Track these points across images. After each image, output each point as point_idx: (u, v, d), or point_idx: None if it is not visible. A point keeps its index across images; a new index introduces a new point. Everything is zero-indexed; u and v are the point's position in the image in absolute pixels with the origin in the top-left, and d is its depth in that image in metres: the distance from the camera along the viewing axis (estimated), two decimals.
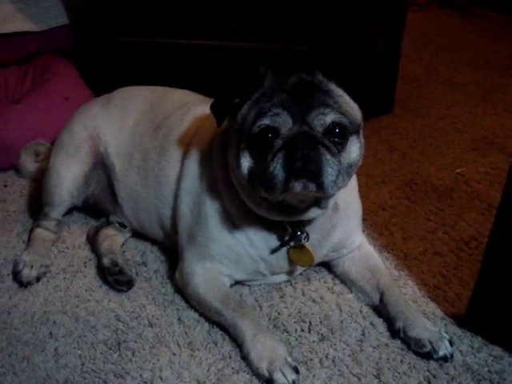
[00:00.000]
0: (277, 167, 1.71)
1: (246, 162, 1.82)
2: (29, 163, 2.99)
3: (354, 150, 1.81)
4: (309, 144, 1.71)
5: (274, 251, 2.05)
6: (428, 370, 1.89)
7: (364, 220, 2.37)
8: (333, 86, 1.84)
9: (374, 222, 2.61)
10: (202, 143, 2.16)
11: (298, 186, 1.71)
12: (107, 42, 3.31)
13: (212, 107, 1.92)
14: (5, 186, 2.96)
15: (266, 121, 1.77)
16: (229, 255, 2.08)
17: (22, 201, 2.85)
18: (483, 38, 5.17)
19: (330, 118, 1.76)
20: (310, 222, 2.01)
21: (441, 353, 1.90)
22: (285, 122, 1.76)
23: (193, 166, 2.15)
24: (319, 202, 1.88)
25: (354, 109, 1.84)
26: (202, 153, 2.15)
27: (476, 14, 5.71)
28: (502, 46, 4.98)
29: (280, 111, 1.76)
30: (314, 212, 1.93)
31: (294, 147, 1.71)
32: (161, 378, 1.87)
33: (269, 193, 1.76)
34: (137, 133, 2.39)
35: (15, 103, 3.30)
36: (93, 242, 2.48)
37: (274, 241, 2.04)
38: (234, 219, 2.03)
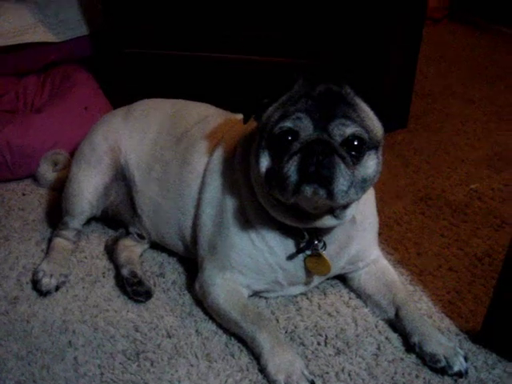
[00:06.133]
0: (291, 169, 1.76)
1: (264, 161, 1.87)
2: (47, 172, 3.02)
3: (370, 165, 1.84)
4: (325, 151, 1.74)
5: (290, 257, 2.08)
6: None
7: (379, 235, 2.38)
8: (359, 101, 1.87)
9: (389, 237, 2.63)
10: (225, 153, 2.20)
11: (308, 191, 1.74)
12: (127, 54, 3.32)
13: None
14: (23, 195, 2.99)
15: (288, 123, 1.81)
16: (248, 264, 2.11)
17: (41, 210, 2.86)
18: (497, 53, 5.15)
19: (350, 130, 1.79)
20: (327, 231, 2.04)
21: (456, 368, 1.91)
22: (305, 127, 1.80)
23: (215, 176, 2.19)
24: (333, 211, 1.91)
25: (375, 126, 1.87)
26: (225, 161, 2.19)
27: (490, 28, 5.68)
28: None
29: (303, 116, 1.80)
30: (328, 221, 1.95)
31: (310, 152, 1.74)
32: None
33: (281, 194, 1.80)
34: (157, 145, 2.42)
35: (35, 112, 3.34)
36: (111, 252, 2.50)
37: (291, 248, 2.07)
38: (254, 225, 2.07)
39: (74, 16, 3.64)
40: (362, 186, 1.83)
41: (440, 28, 5.73)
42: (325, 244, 2.05)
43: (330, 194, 1.74)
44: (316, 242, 2.03)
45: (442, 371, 1.93)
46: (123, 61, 3.34)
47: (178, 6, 3.20)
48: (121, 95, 3.29)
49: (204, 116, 2.43)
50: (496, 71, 4.73)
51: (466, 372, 1.93)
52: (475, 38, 5.55)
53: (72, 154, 2.84)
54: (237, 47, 3.25)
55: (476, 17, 5.84)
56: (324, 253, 2.05)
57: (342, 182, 1.74)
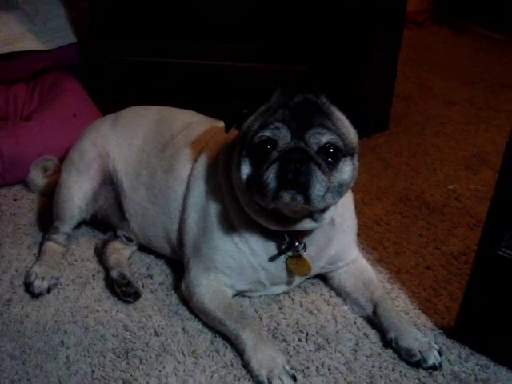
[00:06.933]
0: (270, 176, 1.83)
1: (245, 169, 1.94)
2: (38, 178, 3.06)
3: (345, 170, 1.91)
4: (302, 159, 1.82)
5: (272, 259, 2.15)
6: (418, 378, 1.98)
7: (359, 235, 2.47)
8: (334, 110, 1.95)
9: (369, 237, 2.71)
10: (208, 160, 2.27)
11: (286, 196, 1.82)
12: (113, 61, 3.37)
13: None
14: (14, 200, 3.03)
15: (267, 133, 1.89)
16: (232, 265, 2.18)
17: (32, 214, 2.91)
18: (478, 56, 5.25)
19: (326, 138, 1.87)
20: (307, 233, 2.11)
21: (430, 362, 2.00)
22: (283, 136, 1.87)
23: (199, 181, 2.26)
24: (312, 215, 1.99)
25: (350, 133, 1.95)
26: (209, 167, 2.26)
27: (471, 31, 5.76)
28: (496, 63, 5.06)
29: (281, 126, 1.88)
30: (307, 224, 2.03)
31: (288, 160, 1.82)
32: None
33: (261, 199, 1.88)
34: (144, 152, 2.49)
35: (25, 120, 3.38)
36: (101, 255, 2.56)
37: (273, 249, 2.15)
38: (237, 229, 2.14)
39: (62, 24, 3.69)
40: (339, 190, 1.91)
41: (422, 31, 5.81)
42: (305, 246, 2.12)
43: (308, 200, 1.82)
44: (297, 244, 2.10)
45: (417, 365, 2.01)
46: (109, 68, 3.38)
47: (163, 13, 3.25)
48: (108, 102, 3.34)
49: (188, 123, 2.49)
50: (477, 73, 4.83)
51: (440, 365, 2.01)
52: (457, 41, 5.64)
53: (62, 159, 2.88)
54: (221, 54, 3.29)
55: (458, 19, 5.91)
56: (304, 254, 2.13)
57: (318, 188, 1.82)
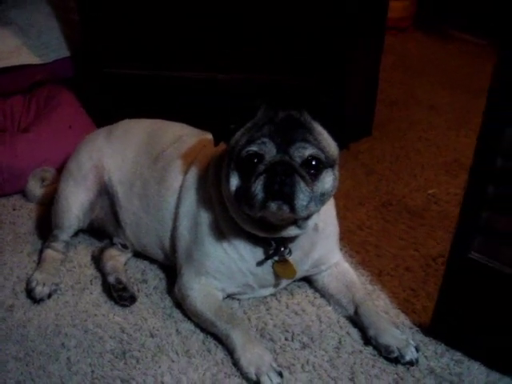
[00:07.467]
0: (257, 188, 1.95)
1: (234, 181, 2.05)
2: (36, 188, 3.14)
3: (327, 181, 2.04)
4: (286, 171, 1.95)
5: (260, 263, 2.26)
6: (396, 373, 2.09)
7: (342, 239, 2.58)
8: (316, 125, 2.07)
9: (352, 241, 2.80)
10: (198, 171, 2.38)
11: (273, 206, 1.94)
12: (106, 74, 3.44)
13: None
14: (14, 210, 3.11)
15: (253, 147, 2.00)
16: (222, 270, 2.28)
17: (31, 223, 2.99)
18: (461, 61, 5.27)
19: (309, 151, 1.99)
20: (292, 239, 2.23)
21: (407, 358, 2.12)
22: (269, 151, 1.99)
23: (190, 192, 2.37)
24: (296, 222, 2.10)
25: (331, 146, 2.07)
26: (199, 178, 2.36)
27: (454, 36, 5.79)
28: (479, 68, 4.95)
29: (267, 141, 2.00)
30: (292, 230, 2.14)
31: (274, 172, 1.94)
32: (162, 383, 2.07)
33: (250, 209, 2.00)
34: (137, 163, 2.58)
35: (22, 132, 3.46)
36: (98, 261, 2.65)
37: (260, 255, 2.25)
38: (226, 236, 2.25)
39: (56, 38, 3.75)
40: (321, 199, 2.04)
41: (405, 36, 5.81)
42: (290, 251, 2.24)
43: (293, 209, 1.95)
44: (282, 249, 2.22)
45: (396, 361, 2.13)
46: (102, 81, 3.45)
47: (156, 26, 3.31)
48: (101, 114, 3.42)
49: (179, 136, 2.59)
50: (458, 78, 4.86)
51: (417, 361, 2.13)
52: (440, 46, 5.64)
53: (58, 170, 2.98)
54: (217, 67, 3.36)
55: (441, 25, 5.92)
56: (290, 258, 2.25)
57: (302, 198, 1.95)
